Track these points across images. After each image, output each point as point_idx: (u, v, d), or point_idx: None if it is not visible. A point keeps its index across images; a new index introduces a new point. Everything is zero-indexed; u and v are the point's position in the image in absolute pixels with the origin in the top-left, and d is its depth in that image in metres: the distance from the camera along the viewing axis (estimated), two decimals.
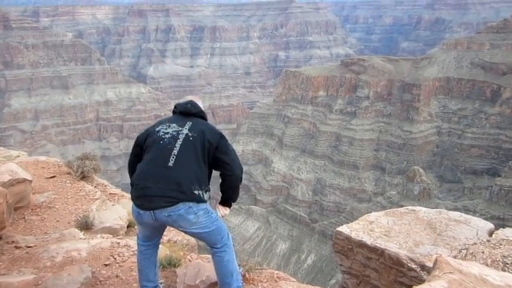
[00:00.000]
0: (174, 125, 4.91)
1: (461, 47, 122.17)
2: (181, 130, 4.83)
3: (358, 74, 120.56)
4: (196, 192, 4.66)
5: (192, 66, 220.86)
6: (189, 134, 4.79)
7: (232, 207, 5.34)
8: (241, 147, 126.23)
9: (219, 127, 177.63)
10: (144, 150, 4.91)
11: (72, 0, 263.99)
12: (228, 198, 5.18)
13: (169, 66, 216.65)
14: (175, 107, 5.15)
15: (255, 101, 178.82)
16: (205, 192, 4.78)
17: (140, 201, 4.69)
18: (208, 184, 4.88)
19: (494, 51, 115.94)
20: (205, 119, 5.19)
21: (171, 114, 5.28)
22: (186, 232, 4.90)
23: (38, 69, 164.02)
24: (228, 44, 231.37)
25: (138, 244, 5.17)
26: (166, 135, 4.79)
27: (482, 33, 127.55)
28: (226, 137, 5.02)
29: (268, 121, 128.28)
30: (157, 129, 4.91)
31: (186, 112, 5.04)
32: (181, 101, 5.29)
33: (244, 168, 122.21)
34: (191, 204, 4.63)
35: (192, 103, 5.15)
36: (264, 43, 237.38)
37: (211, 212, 4.84)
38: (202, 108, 5.28)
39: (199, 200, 4.69)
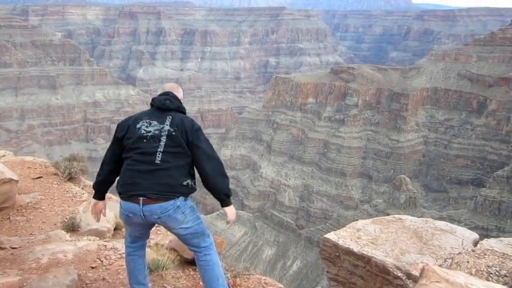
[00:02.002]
0: (155, 122, 4.92)
1: (449, 59, 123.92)
2: (163, 127, 4.87)
3: (347, 82, 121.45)
4: (185, 183, 4.80)
5: (182, 70, 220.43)
6: (171, 130, 4.85)
7: (234, 208, 5.18)
8: (229, 151, 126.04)
9: (208, 131, 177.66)
10: (125, 147, 4.93)
11: (62, 0, 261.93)
12: (220, 190, 4.95)
13: (159, 68, 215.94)
14: (153, 101, 5.14)
15: (244, 106, 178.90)
16: (192, 180, 4.89)
17: (130, 194, 4.75)
18: (194, 175, 4.97)
19: (481, 63, 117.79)
20: (184, 112, 5.18)
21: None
22: (172, 232, 4.99)
23: (25, 68, 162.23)
24: (219, 49, 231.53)
25: (126, 246, 5.18)
26: (149, 134, 4.84)
27: (469, 45, 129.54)
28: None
29: (257, 126, 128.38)
30: (138, 125, 4.92)
31: (165, 108, 5.03)
32: (159, 91, 5.32)
33: (232, 173, 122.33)
34: (179, 202, 4.76)
35: (170, 98, 5.13)
36: (254, 49, 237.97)
37: (197, 211, 4.96)
38: (181, 98, 5.32)
39: (188, 192, 4.83)
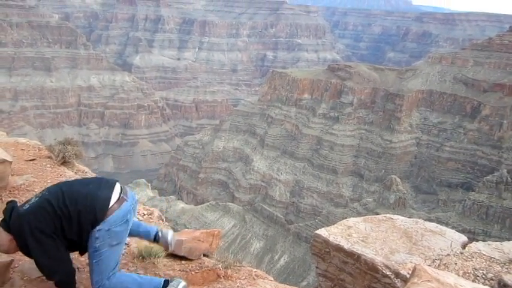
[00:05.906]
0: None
1: (445, 62, 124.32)
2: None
3: (343, 80, 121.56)
4: None
5: (179, 59, 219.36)
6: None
7: None
8: (222, 143, 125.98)
9: (202, 122, 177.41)
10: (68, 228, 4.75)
11: None
12: None
13: (155, 56, 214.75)
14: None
15: (239, 99, 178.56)
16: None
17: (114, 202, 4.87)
18: None
19: (477, 68, 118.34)
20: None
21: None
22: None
23: (20, 49, 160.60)
24: (217, 40, 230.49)
25: (110, 278, 4.88)
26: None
27: (467, 49, 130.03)
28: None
29: (251, 120, 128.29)
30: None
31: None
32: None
33: (224, 165, 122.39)
34: None
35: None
36: (252, 41, 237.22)
37: None
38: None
39: None
